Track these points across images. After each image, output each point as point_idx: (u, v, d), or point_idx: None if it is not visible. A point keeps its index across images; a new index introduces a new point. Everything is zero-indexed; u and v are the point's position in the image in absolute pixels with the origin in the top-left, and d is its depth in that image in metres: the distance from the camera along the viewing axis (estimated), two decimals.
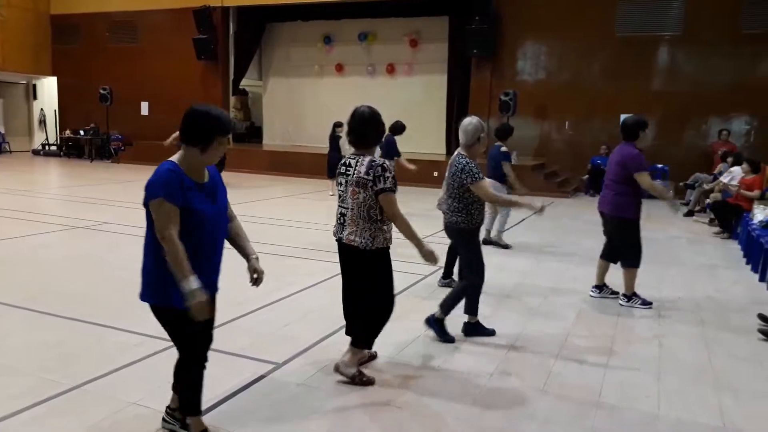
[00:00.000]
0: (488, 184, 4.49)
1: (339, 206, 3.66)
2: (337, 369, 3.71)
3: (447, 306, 4.50)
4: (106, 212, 9.60)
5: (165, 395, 3.07)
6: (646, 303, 5.49)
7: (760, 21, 13.41)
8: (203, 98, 18.68)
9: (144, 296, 2.70)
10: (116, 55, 20.48)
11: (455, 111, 17.01)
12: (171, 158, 2.63)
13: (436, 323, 4.49)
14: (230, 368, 3.77)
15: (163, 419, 3.01)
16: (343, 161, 3.65)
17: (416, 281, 6.05)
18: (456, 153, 4.50)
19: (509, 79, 15.77)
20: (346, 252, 3.65)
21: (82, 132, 20.88)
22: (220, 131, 2.60)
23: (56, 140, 22.22)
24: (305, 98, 19.69)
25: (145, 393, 3.41)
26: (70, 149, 21.25)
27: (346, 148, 4.30)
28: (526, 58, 15.92)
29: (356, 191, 3.49)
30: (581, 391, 3.72)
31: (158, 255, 2.56)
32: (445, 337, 4.46)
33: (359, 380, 3.65)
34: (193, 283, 2.49)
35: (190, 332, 2.68)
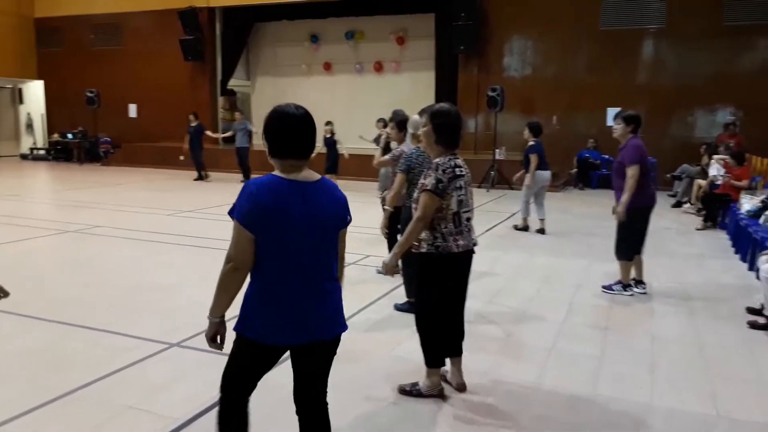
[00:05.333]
0: (399, 179, 4.75)
1: (465, 212, 3.38)
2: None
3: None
4: (98, 215, 9.53)
5: (160, 398, 3.07)
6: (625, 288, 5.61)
7: (742, 14, 13.53)
8: (191, 99, 18.62)
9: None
10: (102, 58, 20.34)
11: None
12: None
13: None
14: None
15: None
16: (451, 163, 3.32)
17: None
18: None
19: (496, 74, 15.81)
20: (469, 259, 3.50)
21: (70, 135, 20.73)
22: None
23: (44, 144, 22.04)
24: (294, 97, 19.37)
25: (140, 396, 3.40)
26: (58, 153, 21.07)
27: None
28: (512, 54, 15.96)
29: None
30: (575, 383, 3.75)
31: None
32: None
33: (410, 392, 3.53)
34: None
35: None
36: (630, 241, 5.51)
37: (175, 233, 8.14)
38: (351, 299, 5.20)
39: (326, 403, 2.48)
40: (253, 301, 2.24)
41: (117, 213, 9.96)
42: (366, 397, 3.51)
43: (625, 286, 5.60)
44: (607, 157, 14.20)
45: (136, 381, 3.64)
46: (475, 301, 5.28)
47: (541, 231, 8.59)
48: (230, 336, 2.37)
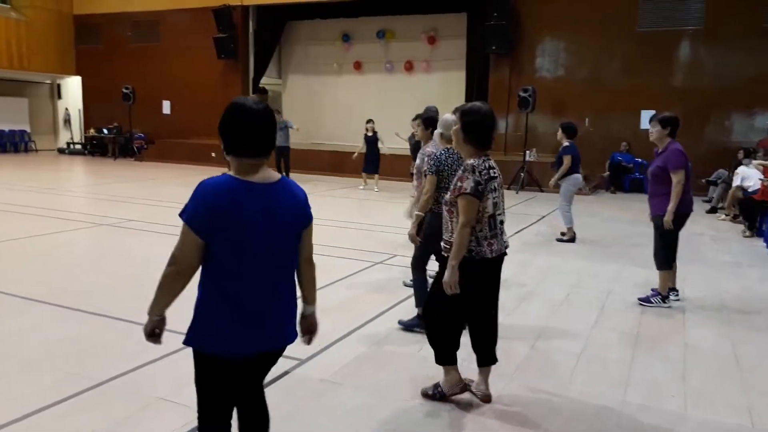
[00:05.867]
0: (430, 181, 4.36)
1: (498, 215, 3.30)
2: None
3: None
4: (131, 210, 9.72)
5: (190, 391, 3.09)
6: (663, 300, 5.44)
7: None
8: (223, 97, 18.80)
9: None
10: (138, 55, 20.72)
11: None
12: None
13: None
14: None
15: None
16: (486, 164, 3.23)
17: None
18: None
19: (528, 75, 15.67)
20: (501, 264, 3.42)
21: (105, 131, 21.18)
22: None
23: (81, 139, 22.55)
24: (324, 96, 19.75)
25: (170, 389, 3.45)
26: (94, 148, 21.57)
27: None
28: (544, 54, 15.80)
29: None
30: (605, 389, 3.69)
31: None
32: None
33: (432, 396, 3.47)
34: None
35: None
36: (671, 250, 5.36)
37: None
38: (377, 299, 5.25)
39: (263, 391, 2.44)
40: (206, 311, 2.10)
41: (150, 207, 10.14)
42: (392, 399, 3.50)
43: (664, 298, 5.40)
44: (640, 160, 13.97)
45: (166, 373, 3.70)
46: (503, 305, 5.23)
47: (573, 239, 8.29)
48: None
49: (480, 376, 3.52)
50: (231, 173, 2.10)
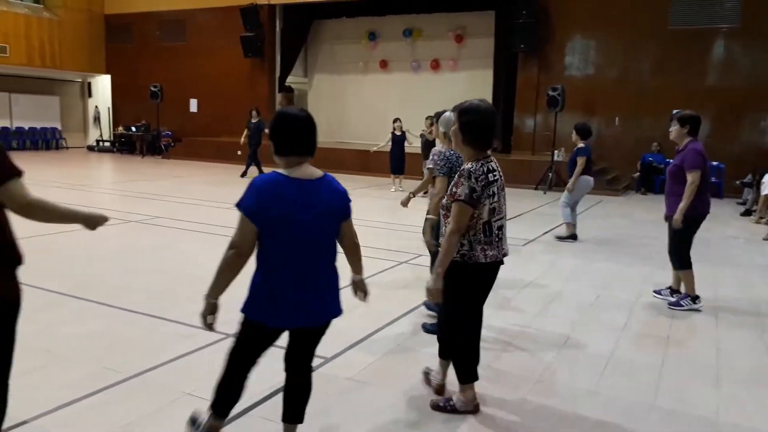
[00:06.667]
0: (441, 183, 4.15)
1: (497, 221, 3.11)
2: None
3: None
4: (158, 207, 9.85)
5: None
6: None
7: None
8: (250, 96, 19.02)
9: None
10: (166, 54, 21.01)
11: (501, 107, 16.83)
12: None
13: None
14: (281, 362, 3.81)
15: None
16: (484, 168, 3.05)
17: None
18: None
19: (557, 74, 15.50)
20: (496, 271, 3.25)
21: (133, 128, 21.50)
22: None
23: (110, 136, 22.94)
24: (349, 95, 19.79)
25: (198, 384, 3.48)
26: (122, 145, 21.92)
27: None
28: (574, 53, 15.61)
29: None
30: (634, 393, 3.62)
31: None
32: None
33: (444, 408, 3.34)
34: None
35: None
36: (685, 249, 5.27)
37: (234, 226, 8.30)
38: (398, 301, 5.22)
39: (311, 367, 2.79)
40: (258, 286, 2.47)
41: (177, 205, 10.26)
42: (416, 400, 3.48)
43: (694, 299, 5.31)
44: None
45: (193, 369, 3.73)
46: (530, 306, 5.20)
47: (573, 237, 8.10)
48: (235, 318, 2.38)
49: (442, 368, 3.51)
50: (279, 171, 2.45)
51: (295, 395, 2.76)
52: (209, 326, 2.53)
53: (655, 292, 5.64)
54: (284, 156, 2.46)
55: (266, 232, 2.39)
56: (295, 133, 2.46)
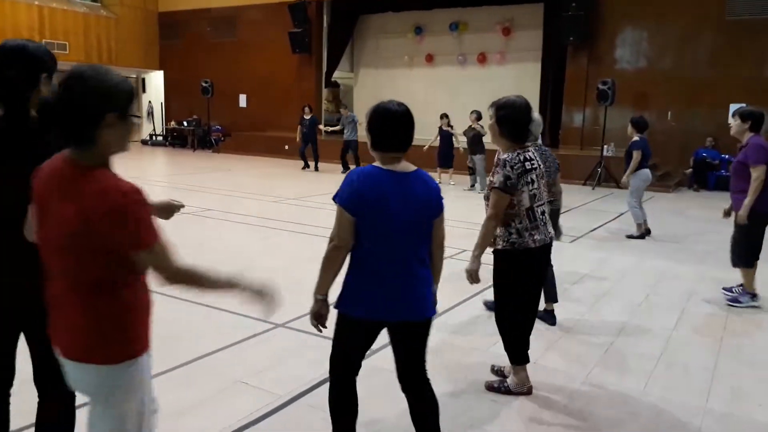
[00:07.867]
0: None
1: (537, 207, 3.30)
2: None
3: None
4: (209, 199, 10.10)
5: (267, 375, 3.21)
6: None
7: None
8: (297, 91, 19.26)
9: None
10: (216, 50, 21.43)
11: (549, 101, 16.57)
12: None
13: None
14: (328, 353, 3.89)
15: None
16: (520, 157, 3.23)
17: None
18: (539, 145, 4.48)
19: (607, 67, 15.12)
20: (547, 253, 3.46)
21: (185, 123, 22.06)
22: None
23: (162, 131, 23.60)
24: (395, 89, 19.72)
25: (248, 372, 3.58)
26: (174, 139, 22.52)
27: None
28: (625, 45, 15.20)
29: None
30: (686, 394, 3.54)
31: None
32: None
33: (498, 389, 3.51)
34: None
35: None
36: (749, 247, 5.11)
37: (282, 219, 8.48)
38: (448, 293, 5.22)
39: (427, 379, 2.61)
40: (352, 279, 2.45)
41: (227, 198, 10.50)
42: (465, 391, 3.50)
43: (753, 296, 5.17)
44: (726, 156, 13.22)
45: (244, 357, 3.84)
46: (578, 305, 5.14)
47: (645, 234, 8.02)
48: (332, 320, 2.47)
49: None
50: (376, 164, 2.45)
51: (423, 422, 2.62)
52: (319, 325, 2.51)
53: (724, 289, 5.48)
54: (381, 151, 2.44)
55: (362, 224, 2.38)
56: (393, 127, 2.42)
